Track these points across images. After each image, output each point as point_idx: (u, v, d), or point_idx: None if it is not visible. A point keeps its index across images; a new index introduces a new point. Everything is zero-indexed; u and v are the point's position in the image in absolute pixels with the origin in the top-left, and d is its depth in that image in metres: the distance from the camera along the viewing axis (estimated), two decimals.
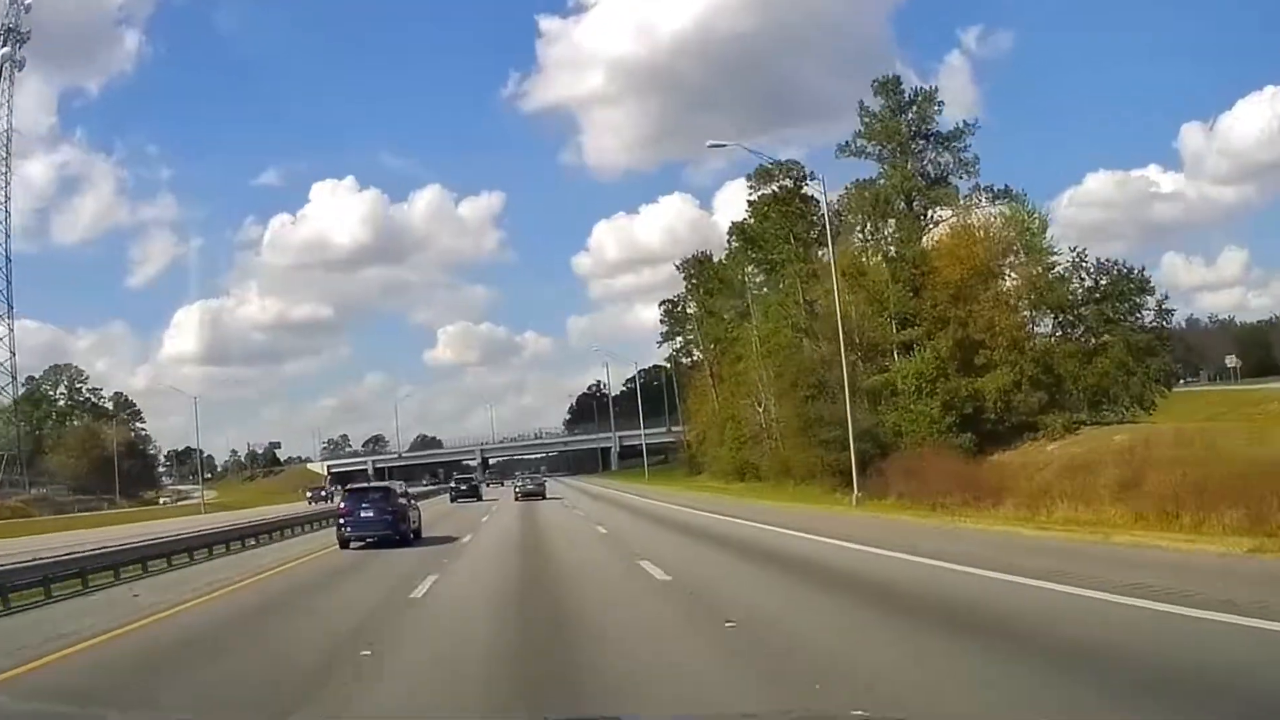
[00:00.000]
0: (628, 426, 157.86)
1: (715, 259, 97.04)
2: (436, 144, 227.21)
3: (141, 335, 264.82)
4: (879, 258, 55.44)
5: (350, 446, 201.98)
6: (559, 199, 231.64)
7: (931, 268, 51.89)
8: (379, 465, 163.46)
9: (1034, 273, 50.48)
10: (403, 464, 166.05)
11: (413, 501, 35.13)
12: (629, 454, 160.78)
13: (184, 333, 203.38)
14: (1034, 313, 51.05)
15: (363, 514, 30.99)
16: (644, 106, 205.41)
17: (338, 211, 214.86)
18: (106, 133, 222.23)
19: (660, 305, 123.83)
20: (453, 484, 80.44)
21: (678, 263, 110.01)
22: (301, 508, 65.73)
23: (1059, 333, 50.99)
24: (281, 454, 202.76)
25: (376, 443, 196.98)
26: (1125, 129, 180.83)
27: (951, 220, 54.40)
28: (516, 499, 65.07)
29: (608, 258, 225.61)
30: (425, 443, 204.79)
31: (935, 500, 34.59)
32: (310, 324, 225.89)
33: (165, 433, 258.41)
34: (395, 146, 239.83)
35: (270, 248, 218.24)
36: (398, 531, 31.03)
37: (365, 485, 35.24)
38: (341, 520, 31.29)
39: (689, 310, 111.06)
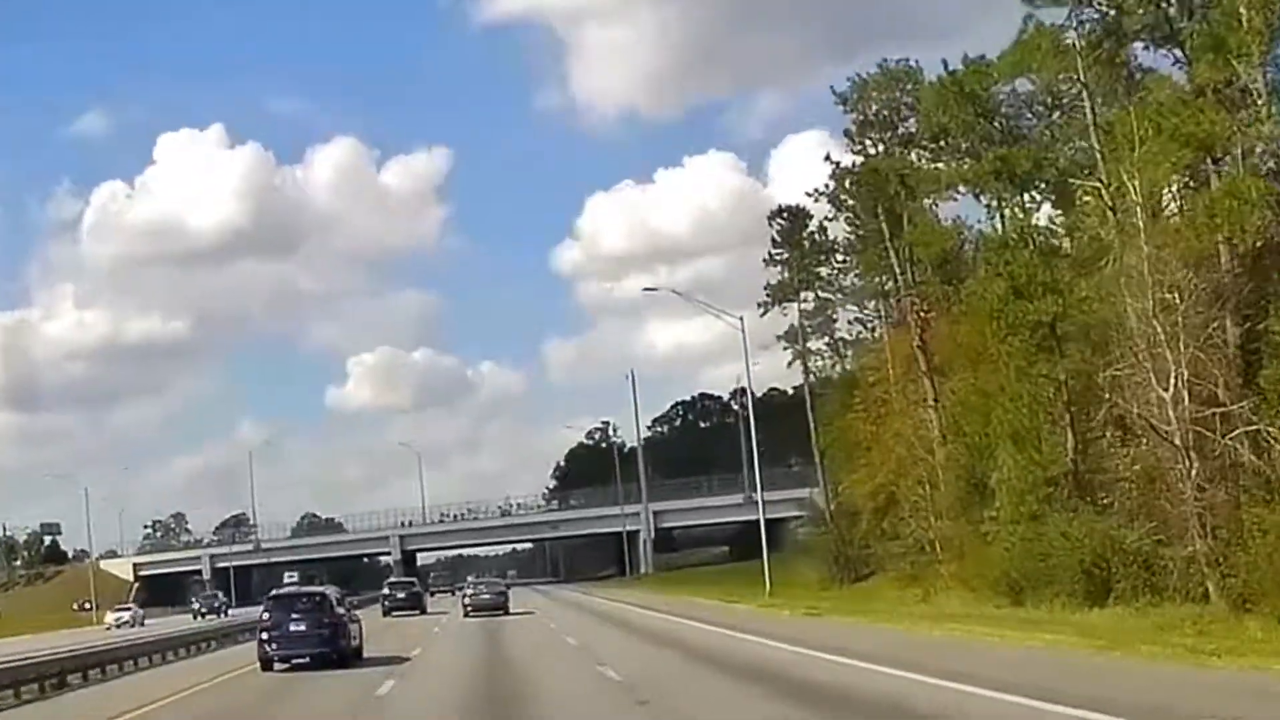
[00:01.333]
0: (666, 495, 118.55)
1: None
2: (348, 77, 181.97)
3: None
4: None
5: (189, 533, 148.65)
6: (533, 160, 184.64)
7: None
8: (224, 565, 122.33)
9: None
10: (264, 560, 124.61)
11: (353, 612, 31.13)
12: (675, 541, 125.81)
13: None
14: None
15: (292, 627, 27.59)
16: (661, 19, 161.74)
17: (198, 178, 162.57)
18: None
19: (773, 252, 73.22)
20: (385, 591, 67.34)
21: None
22: (94, 636, 49.83)
23: None
24: (67, 543, 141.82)
25: (237, 526, 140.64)
26: None
27: None
28: (467, 614, 51.31)
29: (607, 249, 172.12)
30: (317, 526, 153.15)
31: None
32: (154, 347, 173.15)
33: None
34: (286, 81, 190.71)
35: (95, 232, 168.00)
36: (335, 649, 27.71)
37: (295, 591, 34.19)
38: (265, 634, 27.74)
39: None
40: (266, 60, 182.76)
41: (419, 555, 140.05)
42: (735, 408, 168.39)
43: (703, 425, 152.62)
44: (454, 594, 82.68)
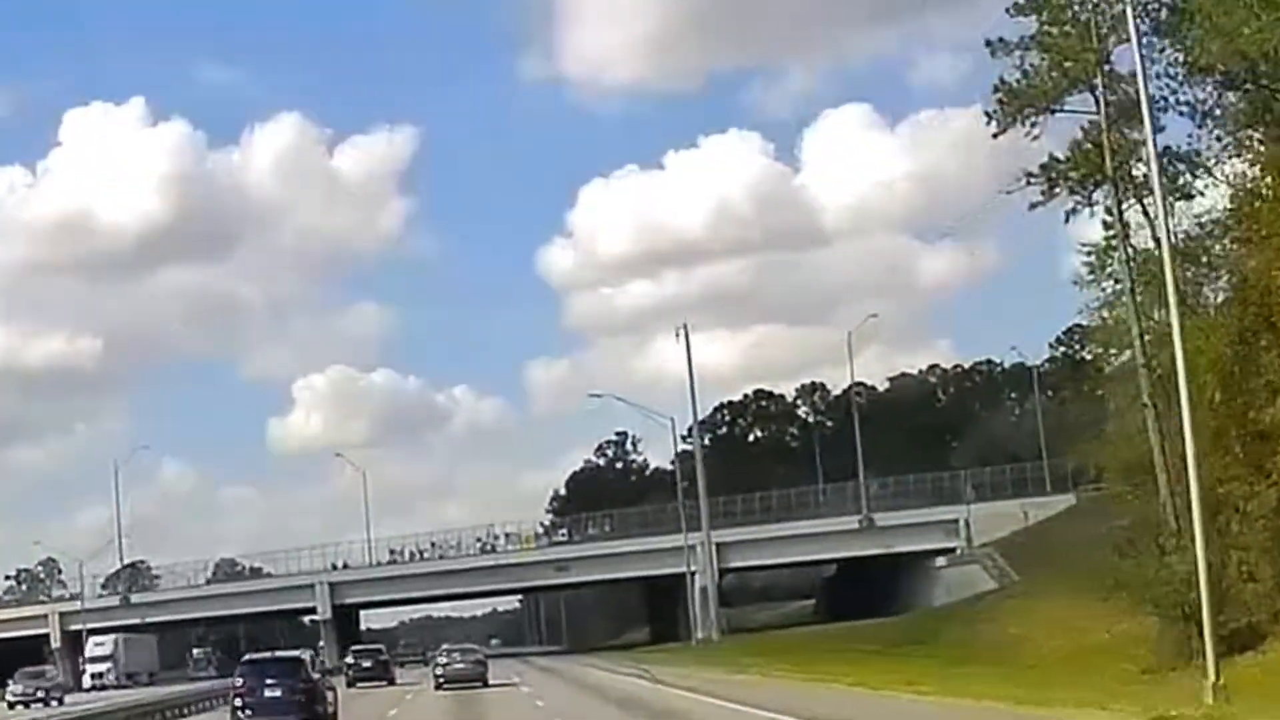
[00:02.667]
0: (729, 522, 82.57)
1: None
2: (293, 43, 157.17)
3: None
4: None
5: (62, 585, 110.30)
6: (516, 142, 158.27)
7: None
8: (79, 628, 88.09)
9: None
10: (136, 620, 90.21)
11: (327, 677, 33.36)
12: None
13: None
14: None
15: (266, 692, 27.34)
16: None
17: (112, 163, 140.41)
18: None
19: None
20: (349, 659, 59.99)
21: None
22: None
23: None
24: None
25: (134, 577, 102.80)
26: None
27: None
28: (440, 686, 45.44)
29: (605, 250, 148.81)
30: (236, 574, 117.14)
31: None
32: (57, 373, 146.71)
33: None
34: (220, 45, 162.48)
35: None
36: (312, 715, 27.70)
37: (267, 656, 32.28)
38: (239, 700, 27.59)
39: None
40: (195, 21, 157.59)
41: (361, 613, 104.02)
42: (803, 411, 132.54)
43: (758, 436, 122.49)
44: (427, 663, 71.55)
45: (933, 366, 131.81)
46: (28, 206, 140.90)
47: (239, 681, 28.34)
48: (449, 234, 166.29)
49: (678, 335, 77.02)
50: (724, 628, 74.76)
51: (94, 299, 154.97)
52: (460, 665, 47.37)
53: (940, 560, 76.50)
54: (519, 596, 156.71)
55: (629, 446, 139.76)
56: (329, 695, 29.64)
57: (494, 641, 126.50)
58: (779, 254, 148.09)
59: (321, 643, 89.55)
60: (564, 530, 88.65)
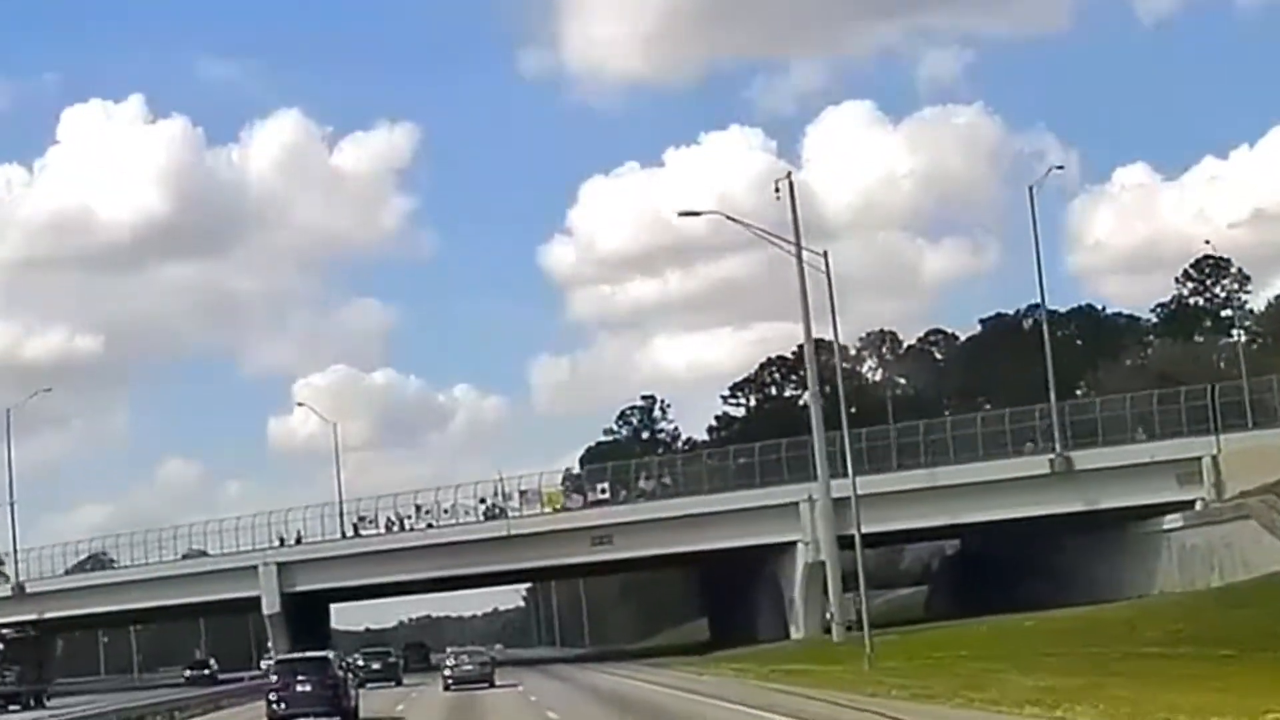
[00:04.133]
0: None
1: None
2: (293, 39, 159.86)
3: None
4: None
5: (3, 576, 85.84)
6: (517, 138, 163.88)
7: None
8: None
9: None
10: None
11: (349, 675, 34.19)
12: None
13: None
14: None
15: (298, 688, 29.95)
16: None
17: (112, 160, 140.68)
18: None
19: None
20: (359, 661, 57.79)
21: None
22: None
23: None
24: None
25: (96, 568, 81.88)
26: None
27: None
28: (448, 688, 46.54)
29: (606, 247, 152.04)
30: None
31: None
32: (56, 368, 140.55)
33: None
34: (219, 42, 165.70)
35: None
36: (338, 708, 30.17)
37: (298, 656, 34.98)
38: (274, 696, 30.18)
39: None
40: (195, 18, 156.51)
41: (332, 605, 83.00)
42: (868, 367, 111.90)
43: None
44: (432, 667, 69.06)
45: (1032, 307, 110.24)
46: (22, 204, 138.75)
47: (273, 678, 31.57)
48: (450, 231, 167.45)
49: (777, 191, 51.74)
50: (849, 620, 49.73)
51: (92, 296, 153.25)
52: (468, 667, 48.82)
53: (1172, 520, 51.61)
54: (524, 590, 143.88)
55: (658, 413, 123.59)
56: (352, 692, 31.99)
57: (497, 647, 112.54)
58: (781, 251, 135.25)
59: (270, 647, 65.26)
60: (604, 486, 63.01)
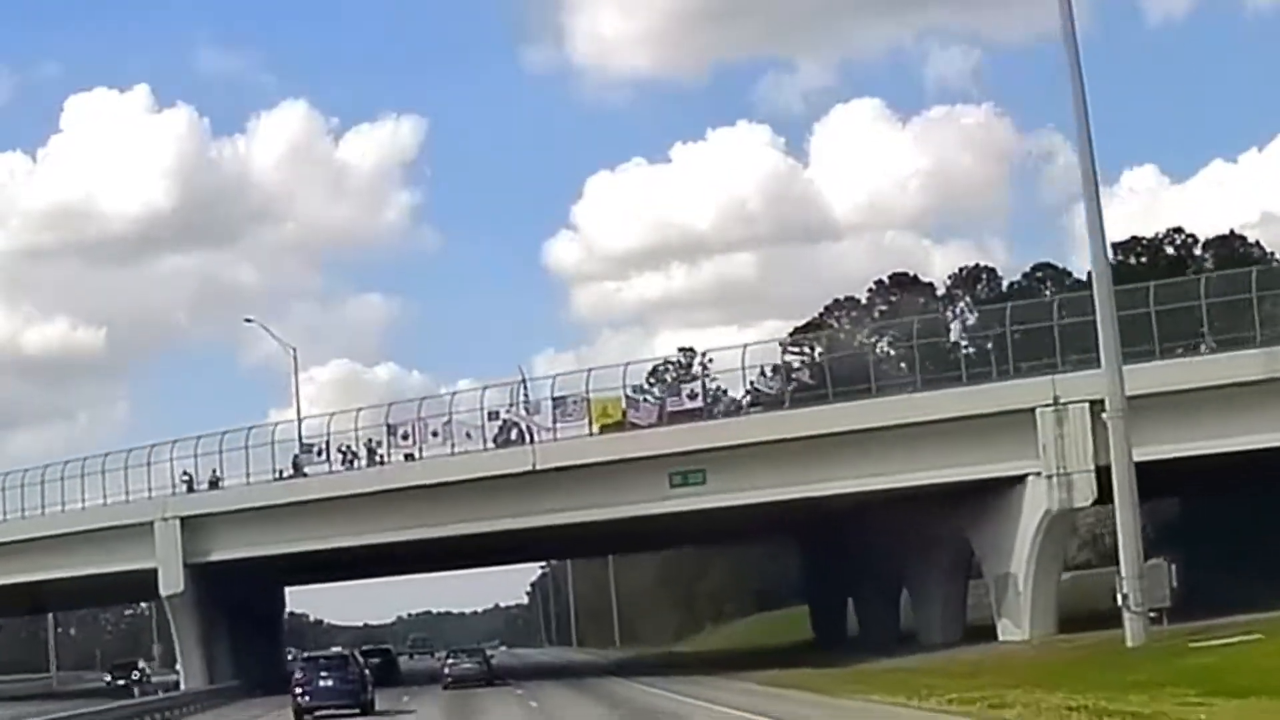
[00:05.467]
0: None
1: None
2: (298, 29, 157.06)
3: None
4: None
5: None
6: (523, 133, 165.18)
7: None
8: None
9: None
10: None
11: (366, 672, 35.23)
12: None
13: None
14: None
15: (321, 683, 32.27)
16: None
17: (115, 150, 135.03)
18: None
19: None
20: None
21: None
22: None
23: None
24: None
25: None
26: None
27: None
28: (447, 687, 45.61)
29: (612, 243, 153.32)
30: None
31: None
32: (57, 361, 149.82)
33: None
34: (224, 32, 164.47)
35: None
36: (357, 701, 32.55)
37: (320, 654, 36.44)
38: (299, 690, 32.15)
39: None
40: (203, 8, 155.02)
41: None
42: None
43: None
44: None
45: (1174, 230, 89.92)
46: (24, 192, 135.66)
47: (299, 674, 33.26)
48: (454, 225, 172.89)
49: None
50: (1159, 605, 26.67)
51: (94, 286, 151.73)
52: (467, 665, 48.55)
53: None
54: (530, 582, 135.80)
55: (699, 367, 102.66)
56: (369, 686, 33.95)
57: (496, 644, 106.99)
58: (788, 248, 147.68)
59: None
60: (693, 390, 39.29)
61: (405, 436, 41.39)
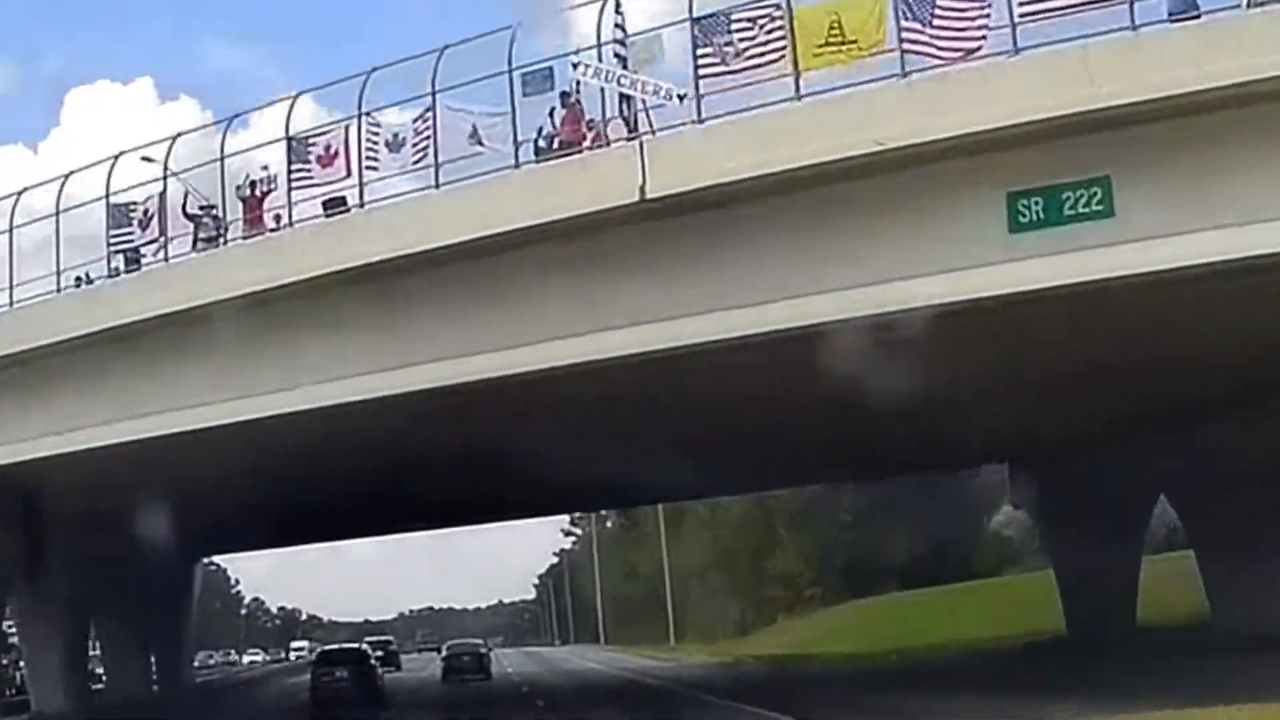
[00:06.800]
0: None
1: None
2: (304, 25, 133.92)
3: None
4: None
5: None
6: (527, 128, 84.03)
7: None
8: None
9: None
10: None
11: (377, 665, 39.31)
12: None
13: None
14: None
15: (337, 673, 35.80)
16: None
17: (117, 145, 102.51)
18: None
19: None
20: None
21: None
22: None
23: None
24: None
25: None
26: None
27: None
28: (445, 678, 51.39)
29: None
30: None
31: None
32: None
33: None
34: (232, 27, 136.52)
35: None
36: (370, 690, 36.04)
37: (336, 648, 41.42)
38: (322, 678, 35.88)
39: None
40: (208, 2, 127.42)
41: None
42: None
43: None
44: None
45: None
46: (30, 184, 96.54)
47: (317, 666, 37.55)
48: None
49: None
50: None
51: None
52: (465, 658, 54.02)
53: None
54: (536, 579, 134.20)
55: None
56: (381, 677, 38.65)
57: (497, 642, 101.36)
58: None
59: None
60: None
61: (326, 160, 17.81)
